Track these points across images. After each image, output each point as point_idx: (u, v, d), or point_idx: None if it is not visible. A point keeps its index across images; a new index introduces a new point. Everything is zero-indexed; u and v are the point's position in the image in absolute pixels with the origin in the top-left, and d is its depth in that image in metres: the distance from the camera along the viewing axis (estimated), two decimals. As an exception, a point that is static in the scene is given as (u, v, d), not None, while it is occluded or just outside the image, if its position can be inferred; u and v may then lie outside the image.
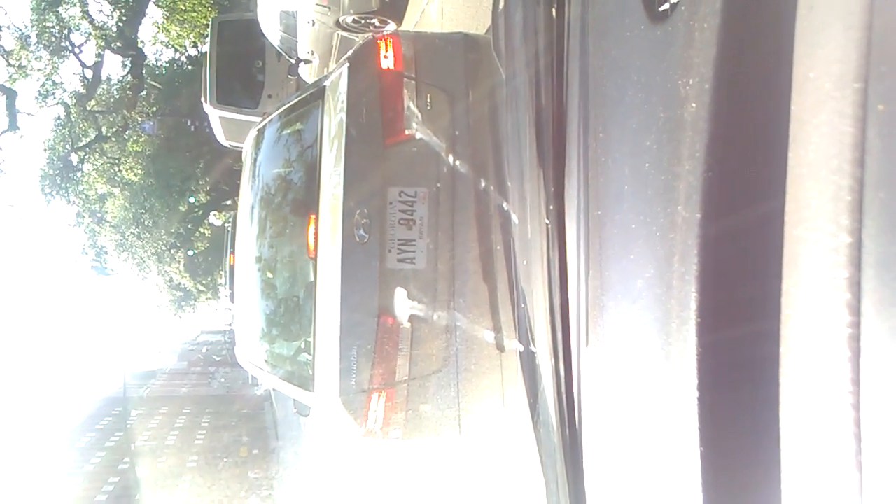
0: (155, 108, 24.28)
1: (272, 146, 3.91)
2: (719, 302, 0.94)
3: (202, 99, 9.94)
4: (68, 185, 25.64)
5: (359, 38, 6.10)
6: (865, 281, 0.68)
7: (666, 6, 1.20)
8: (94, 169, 25.42)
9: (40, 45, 22.13)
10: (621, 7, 1.38)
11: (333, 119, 3.11)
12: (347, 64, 3.05)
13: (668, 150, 1.12)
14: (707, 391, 0.92)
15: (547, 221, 1.49)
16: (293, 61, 7.21)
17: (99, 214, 26.71)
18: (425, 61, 3.03)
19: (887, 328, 0.66)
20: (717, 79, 1.00)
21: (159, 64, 26.37)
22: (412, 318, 2.86)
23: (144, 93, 24.72)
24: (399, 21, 6.36)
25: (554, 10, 1.62)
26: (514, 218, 1.74)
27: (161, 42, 23.90)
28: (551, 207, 1.49)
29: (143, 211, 24.45)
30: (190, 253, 28.15)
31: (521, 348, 1.71)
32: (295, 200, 3.55)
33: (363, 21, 6.13)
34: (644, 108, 1.25)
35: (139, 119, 24.23)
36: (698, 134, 1.01)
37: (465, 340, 3.11)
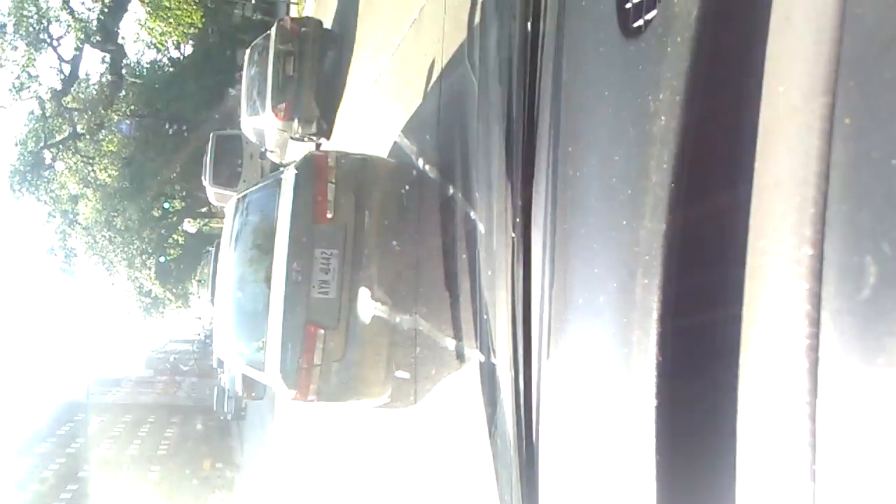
0: (133, 108, 23.95)
1: (247, 209, 5.82)
2: (682, 314, 0.93)
3: (202, 178, 15.63)
4: (38, 182, 25.13)
5: (304, 141, 10.31)
6: (826, 291, 0.68)
7: (640, 22, 1.19)
8: (67, 168, 24.91)
9: (17, 35, 21.65)
10: (596, 23, 1.37)
11: (285, 202, 4.87)
12: (295, 171, 4.88)
13: (635, 164, 1.11)
14: (666, 402, 0.91)
15: (513, 234, 1.47)
16: (262, 150, 11.63)
17: (71, 215, 26.20)
18: (343, 172, 4.86)
19: (846, 338, 0.65)
20: (687, 92, 1.00)
21: (140, 64, 26.08)
22: (325, 326, 4.62)
23: (123, 93, 24.37)
24: (328, 138, 10.19)
25: (529, 24, 1.61)
26: (481, 229, 1.73)
27: (143, 41, 23.62)
28: (518, 220, 1.47)
29: (115, 214, 24.06)
30: (162, 259, 27.77)
31: (482, 359, 1.70)
32: (259, 248, 5.34)
33: (306, 137, 10.15)
34: (614, 123, 1.24)
35: (115, 118, 23.84)
36: (666, 147, 1.01)
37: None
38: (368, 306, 4.71)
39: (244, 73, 11.49)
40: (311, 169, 4.83)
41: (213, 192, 15.26)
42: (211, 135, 15.67)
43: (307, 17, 11.14)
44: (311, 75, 9.76)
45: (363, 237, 4.77)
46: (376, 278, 4.76)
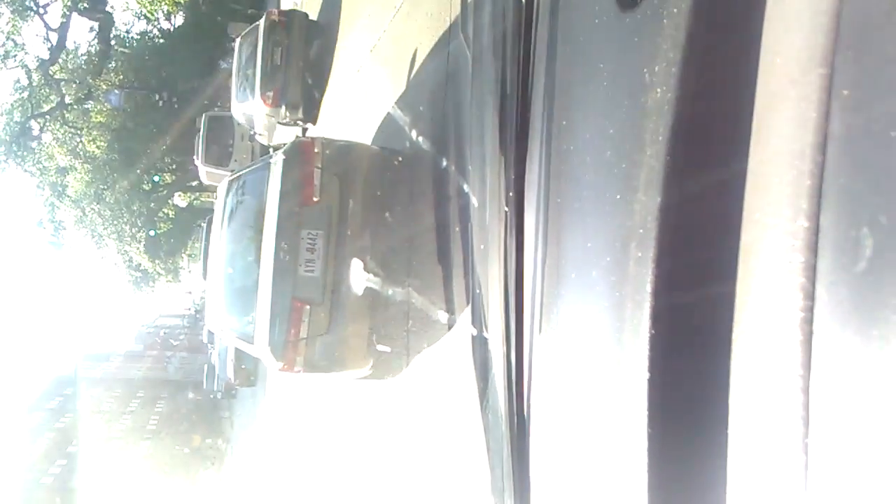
0: (122, 78, 23.56)
1: (238, 191, 6.18)
2: (675, 287, 0.93)
3: (194, 157, 16.46)
4: (26, 153, 24.76)
5: (291, 126, 11.09)
6: (821, 264, 0.67)
7: None
8: (55, 139, 24.55)
9: (2, 2, 21.17)
10: None
11: (273, 185, 5.20)
12: (284, 156, 5.23)
13: (630, 137, 1.11)
14: (658, 375, 0.91)
15: (506, 208, 1.47)
16: (252, 132, 12.45)
17: (59, 188, 25.91)
18: (328, 158, 5.16)
19: (841, 311, 0.65)
20: (683, 64, 0.99)
21: (130, 36, 25.64)
22: (310, 302, 4.94)
23: (113, 64, 23.98)
24: (314, 122, 10.97)
25: None
26: (474, 203, 1.72)
27: (132, 10, 23.17)
28: (511, 194, 1.47)
29: (105, 187, 23.82)
30: (152, 233, 27.57)
31: (474, 333, 1.70)
32: (249, 228, 5.65)
33: (293, 122, 10.98)
34: (609, 96, 1.23)
35: (104, 87, 23.44)
36: (662, 119, 1.00)
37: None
38: (352, 283, 5.10)
39: (234, 61, 12.16)
40: (299, 154, 5.21)
41: (205, 172, 16.09)
42: (203, 115, 16.50)
43: (294, 10, 11.68)
44: (298, 64, 10.54)
45: (347, 218, 5.14)
46: (360, 257, 5.12)
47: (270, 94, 10.37)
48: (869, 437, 0.63)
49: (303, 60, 10.61)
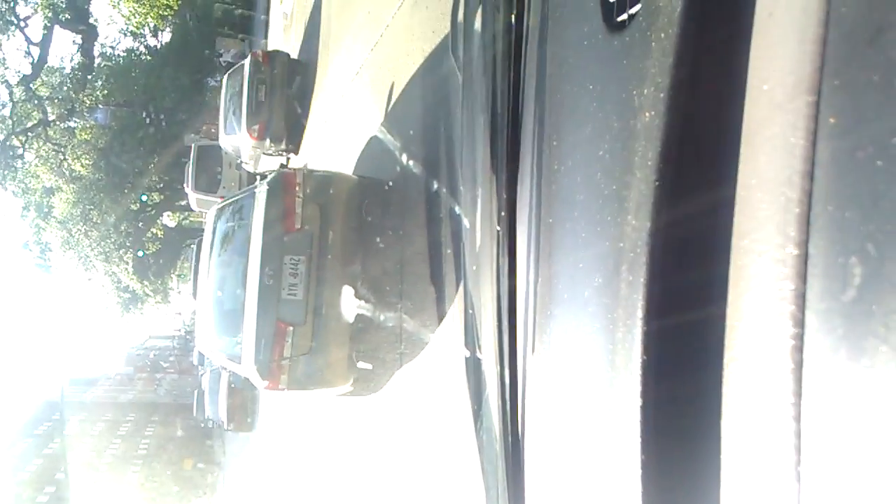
0: (106, 94, 23.31)
1: (226, 218, 6.49)
2: (666, 312, 0.93)
3: (185, 184, 17.24)
4: (6, 171, 24.35)
5: (275, 156, 11.89)
6: (810, 292, 0.68)
7: (624, 16, 1.19)
8: (38, 157, 24.18)
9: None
10: (580, 17, 1.37)
11: (258, 214, 5.50)
12: (267, 186, 5.51)
13: (620, 159, 1.11)
14: (650, 400, 0.91)
15: (498, 228, 1.47)
16: (239, 161, 13.55)
17: (45, 209, 25.64)
18: (309, 188, 5.46)
19: (830, 339, 0.65)
20: (671, 88, 1.00)
21: (115, 50, 25.45)
22: (293, 323, 5.20)
23: (100, 82, 23.77)
24: (296, 152, 11.78)
25: (513, 17, 1.61)
26: (466, 223, 1.73)
27: (116, 24, 22.95)
28: (503, 214, 1.47)
29: (91, 207, 23.61)
30: (140, 254, 27.34)
31: (468, 354, 1.70)
32: (236, 253, 5.90)
33: (277, 152, 11.88)
34: (598, 117, 1.24)
35: (88, 103, 23.17)
36: (651, 143, 1.01)
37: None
38: (332, 305, 5.38)
39: (222, 96, 13.07)
40: (281, 184, 5.51)
41: (194, 198, 16.87)
42: (193, 145, 17.62)
43: (277, 50, 12.61)
44: (281, 100, 11.44)
45: (328, 244, 5.41)
46: (340, 280, 5.41)
47: (256, 128, 11.23)
48: (861, 466, 0.63)
49: (286, 96, 11.45)
